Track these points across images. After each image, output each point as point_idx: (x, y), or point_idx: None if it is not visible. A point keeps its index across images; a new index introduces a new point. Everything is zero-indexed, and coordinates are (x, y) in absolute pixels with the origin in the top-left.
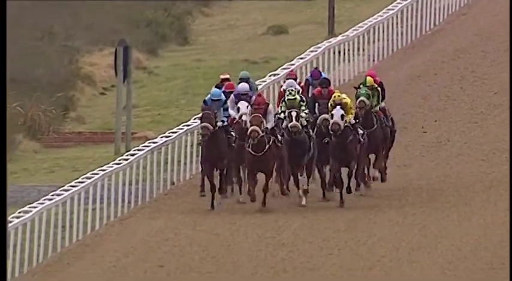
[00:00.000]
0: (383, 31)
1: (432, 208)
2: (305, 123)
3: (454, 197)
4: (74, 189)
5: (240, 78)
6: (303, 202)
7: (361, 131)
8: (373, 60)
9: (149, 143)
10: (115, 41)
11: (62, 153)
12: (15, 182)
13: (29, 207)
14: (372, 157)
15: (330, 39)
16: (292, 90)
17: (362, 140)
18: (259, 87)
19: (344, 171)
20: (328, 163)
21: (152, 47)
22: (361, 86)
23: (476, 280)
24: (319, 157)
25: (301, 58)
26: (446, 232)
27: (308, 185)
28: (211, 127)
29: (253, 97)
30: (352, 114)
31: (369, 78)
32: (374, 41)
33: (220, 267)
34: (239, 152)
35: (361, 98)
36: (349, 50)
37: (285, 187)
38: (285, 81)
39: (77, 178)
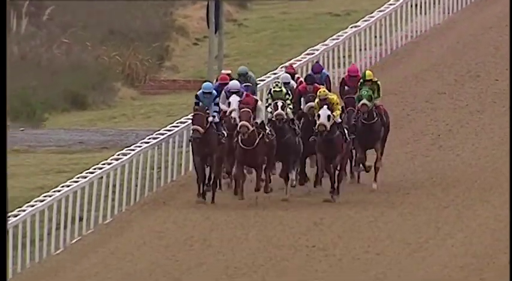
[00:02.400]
0: None
1: (503, 150)
2: (292, 116)
3: None
4: (169, 133)
5: (237, 73)
6: (287, 196)
7: (346, 131)
8: (448, 13)
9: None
10: None
11: (157, 99)
12: (114, 127)
13: (127, 150)
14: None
15: None
16: (278, 82)
17: (348, 138)
18: None
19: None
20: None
21: (242, 0)
22: (360, 81)
23: None
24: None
25: (381, 11)
26: None
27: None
28: (202, 130)
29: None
30: (338, 110)
31: (368, 72)
32: None
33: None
34: (230, 148)
35: (363, 101)
36: (425, 2)
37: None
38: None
39: (172, 123)
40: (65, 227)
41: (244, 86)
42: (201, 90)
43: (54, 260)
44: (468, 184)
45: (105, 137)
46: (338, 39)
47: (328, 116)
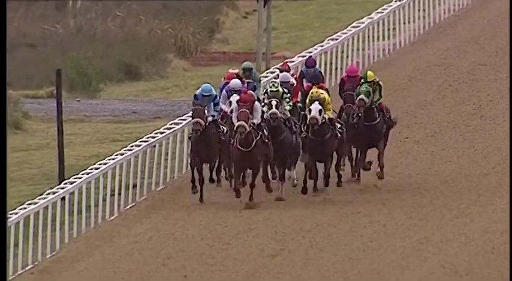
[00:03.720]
0: None
1: None
2: (289, 115)
3: None
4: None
5: (242, 69)
6: (282, 195)
7: (338, 125)
8: None
9: (288, 62)
10: None
11: (208, 71)
12: (167, 97)
13: (179, 119)
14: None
15: None
16: (275, 82)
17: (340, 135)
18: None
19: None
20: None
21: None
22: (361, 82)
23: None
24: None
25: None
26: None
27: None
28: (203, 122)
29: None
30: (330, 110)
31: (369, 73)
32: None
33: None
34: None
35: (361, 96)
36: None
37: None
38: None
39: None
40: (119, 193)
41: (247, 82)
42: (199, 91)
43: (109, 225)
44: (509, 152)
45: (158, 107)
46: (383, 12)
47: (320, 110)
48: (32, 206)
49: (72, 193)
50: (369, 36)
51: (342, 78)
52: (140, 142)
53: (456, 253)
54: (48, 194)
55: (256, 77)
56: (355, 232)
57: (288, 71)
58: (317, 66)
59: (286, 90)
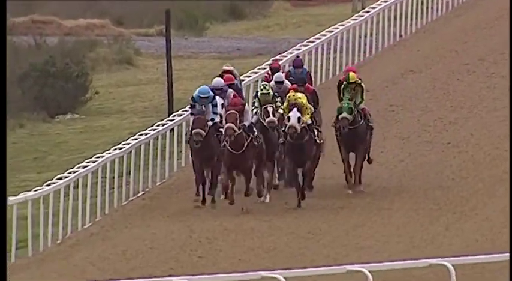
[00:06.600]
0: None
1: None
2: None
3: None
4: (318, 41)
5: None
6: (267, 199)
7: (316, 132)
8: None
9: (382, 1)
10: None
11: (307, 11)
12: (269, 35)
13: (281, 56)
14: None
15: None
16: (266, 85)
17: (318, 140)
18: None
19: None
20: None
21: None
22: (344, 83)
23: None
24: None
25: None
26: None
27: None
28: (204, 133)
29: (231, 95)
30: (308, 114)
31: (351, 74)
32: None
33: None
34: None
35: (344, 115)
36: None
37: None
38: (269, 74)
39: (320, 32)
40: None
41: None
42: (196, 93)
43: None
44: None
45: (260, 44)
46: None
47: (299, 118)
48: (143, 137)
49: (180, 125)
50: None
51: (339, 80)
52: (244, 76)
53: None
54: (158, 126)
55: (237, 78)
56: (445, 161)
57: (279, 70)
58: (305, 66)
59: (276, 93)
